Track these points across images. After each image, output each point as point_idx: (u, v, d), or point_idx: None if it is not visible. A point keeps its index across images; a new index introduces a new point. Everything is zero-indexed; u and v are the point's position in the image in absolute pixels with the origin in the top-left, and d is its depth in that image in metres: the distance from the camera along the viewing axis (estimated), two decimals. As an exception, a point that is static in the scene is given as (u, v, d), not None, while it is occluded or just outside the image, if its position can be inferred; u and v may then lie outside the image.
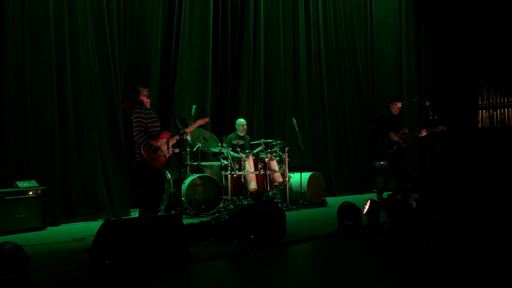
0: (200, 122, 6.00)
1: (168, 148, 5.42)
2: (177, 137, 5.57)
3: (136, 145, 5.26)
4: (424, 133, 8.06)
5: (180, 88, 8.16)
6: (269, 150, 7.97)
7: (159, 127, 5.44)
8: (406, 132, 8.02)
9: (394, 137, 7.90)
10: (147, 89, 5.56)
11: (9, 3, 6.33)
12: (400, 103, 8.16)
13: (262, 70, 9.27)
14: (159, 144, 5.34)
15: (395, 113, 8.15)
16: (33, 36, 6.50)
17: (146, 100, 5.45)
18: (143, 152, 5.18)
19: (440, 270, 4.02)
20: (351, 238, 5.35)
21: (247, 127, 8.42)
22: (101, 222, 4.28)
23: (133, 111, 5.33)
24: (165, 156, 5.41)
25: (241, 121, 8.28)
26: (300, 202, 7.98)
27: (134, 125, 5.24)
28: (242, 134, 8.24)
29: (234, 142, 7.89)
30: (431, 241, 5.27)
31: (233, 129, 8.36)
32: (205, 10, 8.47)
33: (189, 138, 7.22)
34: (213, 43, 8.55)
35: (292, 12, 9.82)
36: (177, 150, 5.60)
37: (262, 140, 7.97)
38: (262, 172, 7.70)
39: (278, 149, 8.06)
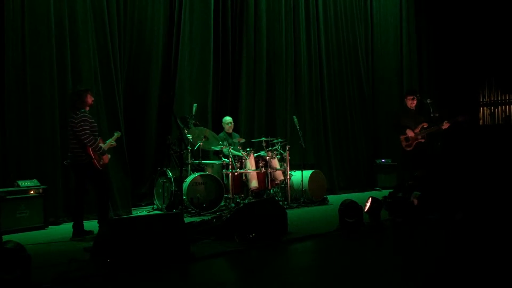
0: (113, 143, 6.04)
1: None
2: (111, 143, 5.81)
3: (76, 146, 5.44)
4: (446, 125, 7.54)
5: (180, 86, 8.16)
6: (270, 148, 7.96)
7: (98, 132, 5.70)
8: (425, 126, 7.63)
9: (411, 133, 7.64)
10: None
11: (9, 2, 6.32)
12: (411, 97, 7.83)
13: (263, 68, 9.26)
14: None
15: (411, 108, 7.87)
16: (34, 35, 6.50)
17: (90, 104, 5.64)
18: (91, 153, 5.42)
19: (442, 268, 4.01)
20: (353, 236, 5.35)
21: (248, 125, 8.38)
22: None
23: (74, 112, 5.48)
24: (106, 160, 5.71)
25: (228, 119, 8.20)
26: (301, 200, 7.97)
27: (80, 128, 5.40)
28: (230, 132, 8.19)
29: (235, 140, 7.88)
30: (433, 239, 5.26)
31: (234, 127, 8.33)
32: (206, 8, 8.45)
33: (190, 136, 7.22)
34: (213, 41, 8.54)
35: (293, 10, 9.79)
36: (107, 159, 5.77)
37: (263, 139, 7.96)
38: (263, 170, 7.68)
39: (279, 147, 8.05)
